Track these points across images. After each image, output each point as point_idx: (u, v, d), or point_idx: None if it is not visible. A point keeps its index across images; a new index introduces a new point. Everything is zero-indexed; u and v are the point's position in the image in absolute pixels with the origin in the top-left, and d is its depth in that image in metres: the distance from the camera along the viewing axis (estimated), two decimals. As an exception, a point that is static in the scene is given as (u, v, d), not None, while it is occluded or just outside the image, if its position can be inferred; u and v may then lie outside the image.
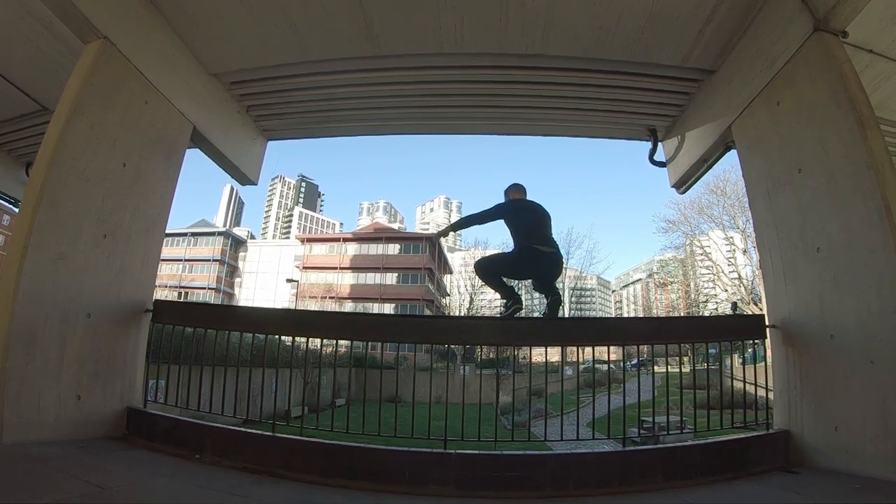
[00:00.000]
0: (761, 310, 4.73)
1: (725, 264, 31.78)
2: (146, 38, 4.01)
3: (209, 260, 50.48)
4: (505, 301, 4.09)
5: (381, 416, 3.70)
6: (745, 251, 28.61)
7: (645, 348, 3.99)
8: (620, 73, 4.68)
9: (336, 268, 43.48)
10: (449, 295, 46.90)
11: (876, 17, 3.77)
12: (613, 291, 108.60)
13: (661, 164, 5.82)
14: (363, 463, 3.22)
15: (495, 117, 5.70)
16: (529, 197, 4.42)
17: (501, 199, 4.47)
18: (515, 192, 4.45)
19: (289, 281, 39.18)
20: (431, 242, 41.82)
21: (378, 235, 47.10)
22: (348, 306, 40.06)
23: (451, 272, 50.69)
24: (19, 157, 6.93)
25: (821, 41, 3.33)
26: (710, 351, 4.74)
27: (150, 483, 2.77)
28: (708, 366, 4.93)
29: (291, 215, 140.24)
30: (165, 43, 4.22)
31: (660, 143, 5.77)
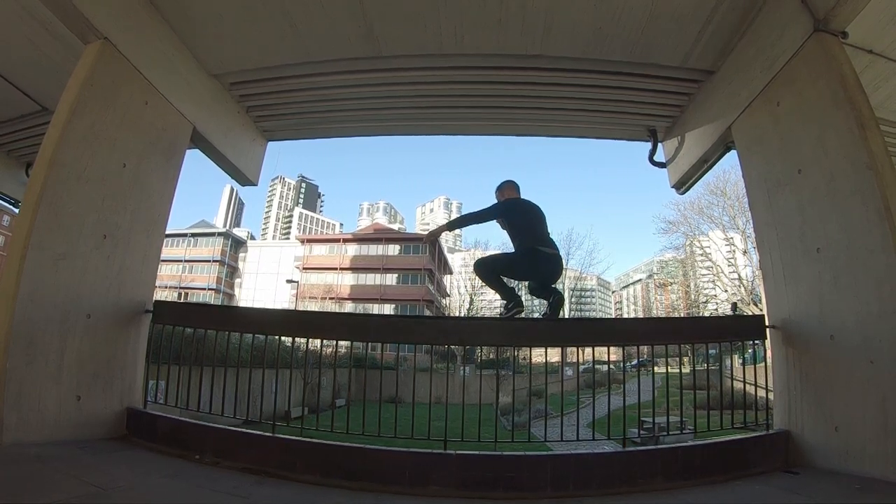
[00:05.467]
0: (761, 310, 4.73)
1: (725, 265, 31.82)
2: (146, 38, 4.01)
3: (209, 261, 50.54)
4: (505, 302, 4.08)
5: (381, 416, 3.70)
6: (745, 252, 28.63)
7: (645, 349, 3.99)
8: (620, 73, 4.68)
9: (336, 268, 43.52)
10: (449, 295, 46.94)
11: (876, 18, 3.77)
12: (613, 292, 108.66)
13: (661, 165, 5.82)
14: (363, 463, 3.22)
15: (495, 118, 5.70)
16: (527, 195, 4.39)
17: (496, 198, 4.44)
18: (510, 191, 4.37)
19: (289, 282, 39.24)
20: (430, 243, 41.79)
21: (378, 236, 47.14)
22: (348, 307, 40.08)
23: (451, 273, 50.72)
24: (19, 157, 6.93)
25: (820, 42, 3.33)
26: (711, 351, 4.73)
27: (150, 483, 2.77)
28: (708, 366, 4.93)
29: (291, 216, 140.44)
30: (166, 43, 4.22)
31: (660, 144, 5.76)
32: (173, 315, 4.18)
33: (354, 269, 43.64)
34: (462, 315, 34.24)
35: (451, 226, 4.66)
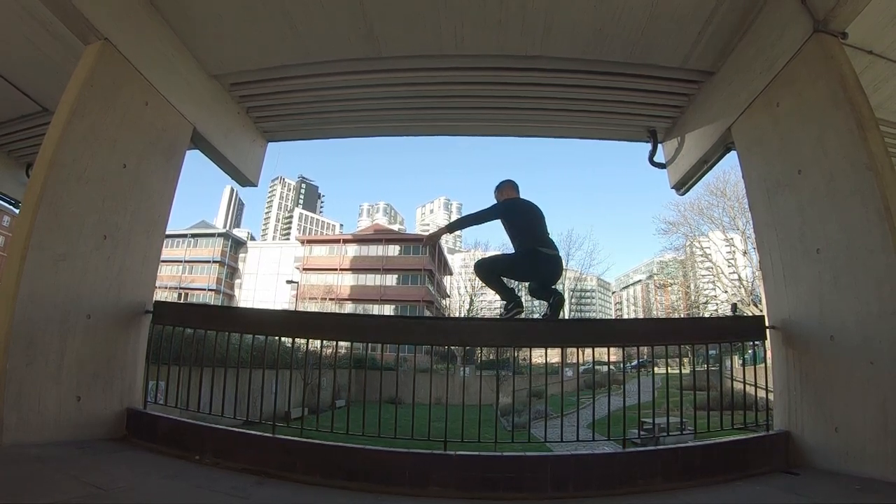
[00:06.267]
0: (761, 311, 4.72)
1: (725, 265, 31.80)
2: (146, 39, 4.01)
3: (209, 261, 50.56)
4: (505, 303, 4.08)
5: (381, 417, 3.69)
6: (745, 252, 28.62)
7: (645, 349, 3.99)
8: (620, 74, 4.68)
9: (336, 269, 43.52)
10: (449, 296, 46.92)
11: (876, 19, 3.77)
12: (613, 293, 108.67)
13: (661, 166, 5.82)
14: (363, 464, 3.22)
15: (495, 119, 5.70)
16: (527, 195, 4.38)
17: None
18: (510, 191, 4.36)
19: (289, 282, 39.22)
20: (430, 245, 41.68)
21: (378, 237, 47.17)
22: (348, 307, 40.08)
23: (451, 273, 50.72)
24: (19, 157, 6.93)
25: (820, 42, 3.33)
26: (711, 352, 4.73)
27: (150, 484, 2.77)
28: (708, 367, 4.93)
29: (291, 216, 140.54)
30: (166, 44, 4.22)
31: (660, 145, 5.77)
32: (173, 315, 4.18)
33: (354, 269, 43.65)
34: (462, 316, 34.21)
35: (451, 228, 4.61)
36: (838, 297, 3.21)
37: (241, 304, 43.35)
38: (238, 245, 55.47)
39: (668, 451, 3.40)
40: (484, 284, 4.51)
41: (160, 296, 25.29)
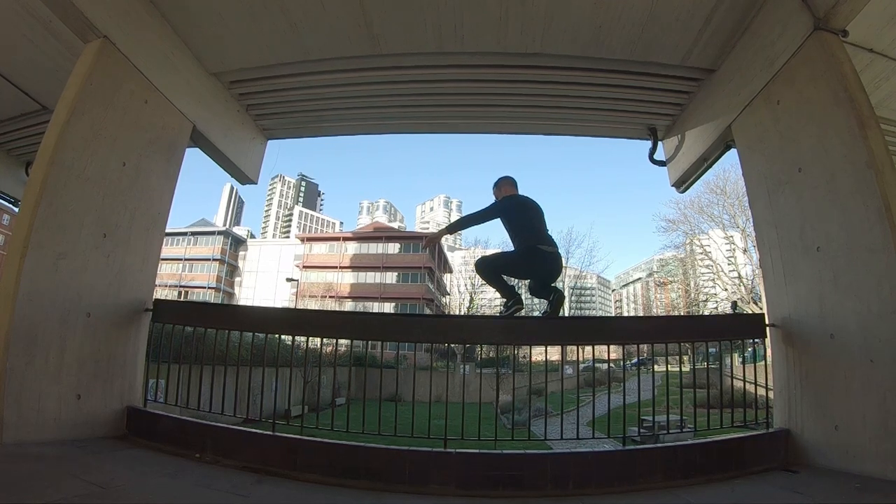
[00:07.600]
0: (761, 309, 4.72)
1: (725, 263, 31.81)
2: (146, 37, 4.00)
3: (209, 259, 50.48)
4: (505, 300, 4.07)
5: (381, 415, 3.70)
6: (745, 250, 28.64)
7: (645, 347, 3.99)
8: (620, 72, 4.67)
9: (336, 267, 43.52)
10: (449, 294, 46.95)
11: (876, 17, 3.76)
12: (613, 290, 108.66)
13: (661, 164, 5.81)
14: (363, 462, 3.22)
15: (495, 116, 5.69)
16: (525, 194, 4.37)
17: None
18: (509, 188, 4.33)
19: (289, 280, 39.20)
20: (430, 246, 41.67)
21: (378, 235, 47.16)
22: (348, 305, 40.10)
23: (450, 271, 50.73)
24: (19, 156, 6.93)
25: (821, 40, 3.32)
26: (710, 350, 4.72)
27: (151, 482, 2.77)
28: (708, 365, 4.93)
29: (291, 214, 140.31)
30: (165, 42, 4.22)
31: (660, 143, 5.76)
32: (173, 314, 4.18)
33: (354, 267, 43.64)
34: (462, 313, 34.21)
35: (452, 229, 4.60)
36: (838, 295, 3.21)
37: (241, 302, 43.37)
38: (238, 243, 55.39)
39: (668, 449, 3.42)
40: (484, 282, 4.50)
41: (160, 294, 25.30)
